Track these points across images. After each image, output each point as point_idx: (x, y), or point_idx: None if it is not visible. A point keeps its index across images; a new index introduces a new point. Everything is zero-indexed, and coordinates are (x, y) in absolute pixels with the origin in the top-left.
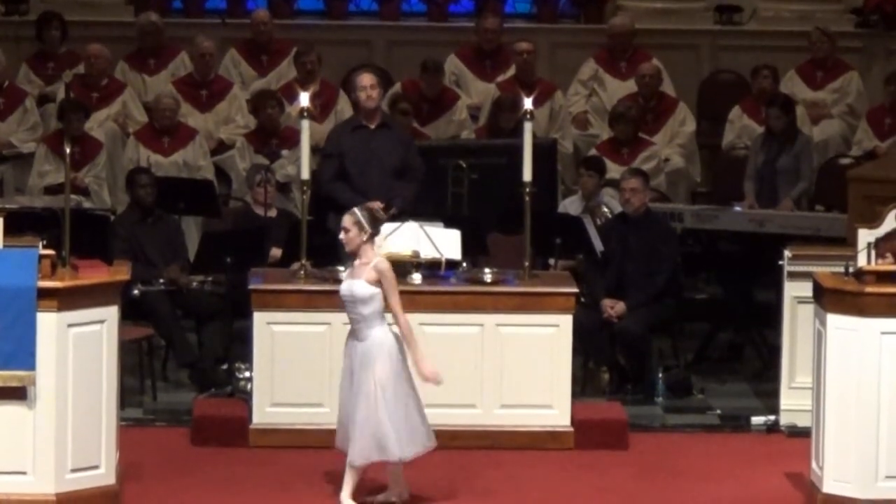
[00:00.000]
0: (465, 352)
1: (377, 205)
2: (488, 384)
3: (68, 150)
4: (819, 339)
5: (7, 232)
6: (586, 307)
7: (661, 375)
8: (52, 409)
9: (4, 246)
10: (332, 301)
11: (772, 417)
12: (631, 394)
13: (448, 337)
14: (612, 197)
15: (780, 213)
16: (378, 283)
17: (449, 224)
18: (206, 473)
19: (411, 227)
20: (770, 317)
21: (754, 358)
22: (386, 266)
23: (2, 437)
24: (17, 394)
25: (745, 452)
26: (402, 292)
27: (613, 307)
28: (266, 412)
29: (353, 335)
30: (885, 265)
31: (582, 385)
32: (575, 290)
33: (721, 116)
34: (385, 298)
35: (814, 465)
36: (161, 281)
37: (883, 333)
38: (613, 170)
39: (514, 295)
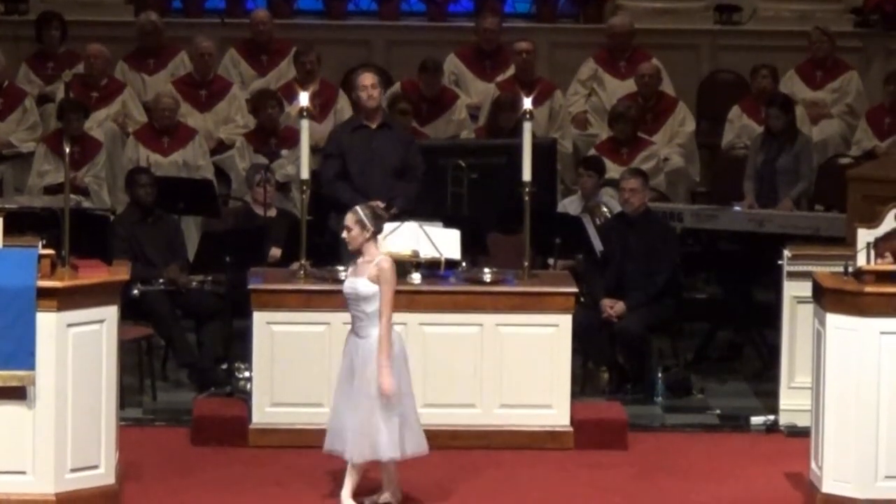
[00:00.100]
0: (465, 351)
1: (379, 204)
2: (488, 384)
3: (68, 150)
4: (818, 339)
5: (7, 232)
6: (586, 307)
7: (660, 375)
8: (52, 408)
9: (4, 246)
10: (331, 301)
11: (771, 417)
12: (630, 394)
13: (447, 337)
14: (612, 197)
15: (779, 213)
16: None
17: (448, 224)
18: (206, 473)
19: (411, 226)
20: (770, 317)
21: (754, 358)
22: (388, 265)
23: (1, 437)
24: (17, 394)
25: (745, 452)
26: (401, 292)
27: (613, 307)
28: (266, 412)
29: (355, 332)
30: (885, 265)
31: (581, 385)
32: (574, 289)
33: (720, 116)
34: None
35: (813, 465)
36: (161, 281)
37: (882, 333)
38: (613, 169)
39: (514, 295)
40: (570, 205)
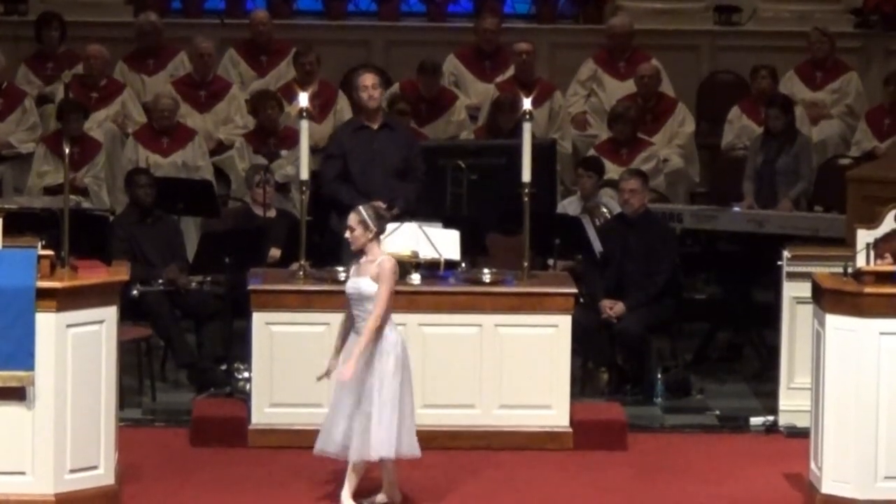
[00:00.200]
0: (464, 352)
1: (380, 205)
2: (487, 384)
3: (67, 151)
4: (818, 340)
5: (6, 232)
6: (585, 307)
7: (660, 376)
8: (51, 409)
9: (4, 246)
10: (331, 301)
11: (771, 418)
12: (630, 394)
13: (447, 337)
14: (611, 197)
15: (779, 214)
16: None
17: (448, 224)
18: (205, 474)
19: (410, 227)
20: (769, 317)
21: (753, 358)
22: (389, 264)
23: (1, 438)
24: (17, 394)
25: (744, 453)
26: (401, 292)
27: (612, 307)
28: (265, 412)
29: (357, 332)
30: (884, 265)
31: (581, 385)
32: (574, 290)
33: (720, 117)
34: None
35: (813, 465)
36: (160, 281)
37: (882, 334)
38: (612, 170)
39: (513, 295)
40: (569, 205)
